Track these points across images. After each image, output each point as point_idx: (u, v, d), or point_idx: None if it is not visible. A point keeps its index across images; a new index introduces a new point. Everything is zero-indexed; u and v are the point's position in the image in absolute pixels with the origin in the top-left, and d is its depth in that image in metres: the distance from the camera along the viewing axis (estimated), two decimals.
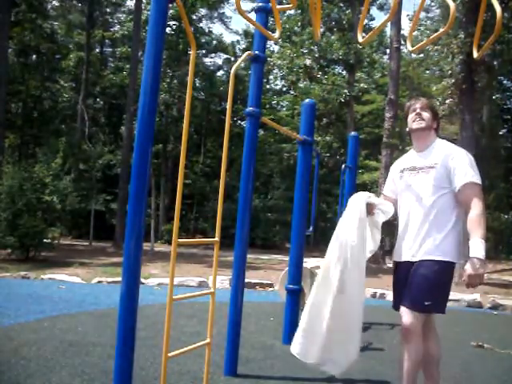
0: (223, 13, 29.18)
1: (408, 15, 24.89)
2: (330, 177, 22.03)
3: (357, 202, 2.81)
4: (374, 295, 8.20)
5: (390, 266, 14.02)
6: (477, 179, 2.61)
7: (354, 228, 2.72)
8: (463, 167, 2.61)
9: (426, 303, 2.56)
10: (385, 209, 2.85)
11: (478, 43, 2.57)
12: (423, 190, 2.67)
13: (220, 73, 29.24)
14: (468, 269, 2.48)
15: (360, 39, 2.96)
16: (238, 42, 30.83)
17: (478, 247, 2.50)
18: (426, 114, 2.73)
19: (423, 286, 2.56)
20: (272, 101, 28.23)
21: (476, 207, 2.56)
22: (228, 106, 3.01)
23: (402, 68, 16.02)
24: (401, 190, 2.82)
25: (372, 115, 24.71)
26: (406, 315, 2.57)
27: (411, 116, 2.77)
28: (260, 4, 3.47)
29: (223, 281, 8.12)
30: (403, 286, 2.66)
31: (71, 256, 12.42)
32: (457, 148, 2.73)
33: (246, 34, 29.17)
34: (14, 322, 4.50)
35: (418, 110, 2.74)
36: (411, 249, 2.67)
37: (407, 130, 2.85)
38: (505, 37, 10.87)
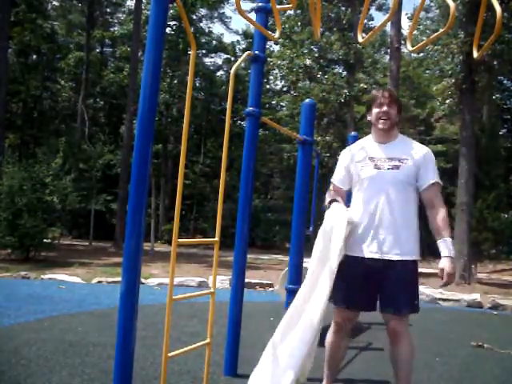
0: (223, 13, 29.23)
1: (407, 14, 24.89)
2: (330, 177, 22.00)
3: (339, 222, 2.62)
4: None
5: None
6: (439, 179, 2.66)
7: (336, 250, 2.60)
8: (431, 166, 2.64)
9: (415, 303, 2.60)
10: (354, 222, 2.69)
11: (478, 43, 2.56)
12: (393, 184, 2.60)
13: (220, 73, 29.26)
14: (446, 268, 2.50)
15: (360, 39, 2.96)
16: (238, 42, 30.85)
17: (450, 247, 2.54)
18: (393, 111, 2.66)
19: (411, 289, 2.60)
20: (272, 101, 28.23)
21: (443, 207, 2.61)
22: (228, 106, 3.00)
23: (402, 68, 16.02)
24: (362, 181, 2.68)
25: None
26: (396, 321, 2.58)
27: (377, 111, 2.66)
28: (260, 4, 3.47)
29: (223, 281, 8.11)
30: (372, 284, 2.60)
31: (71, 256, 12.42)
32: (422, 145, 2.74)
33: (246, 34, 29.16)
34: (14, 322, 4.49)
35: (385, 108, 2.64)
36: (383, 245, 2.58)
37: (368, 119, 2.75)
38: (505, 37, 10.87)
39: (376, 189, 2.63)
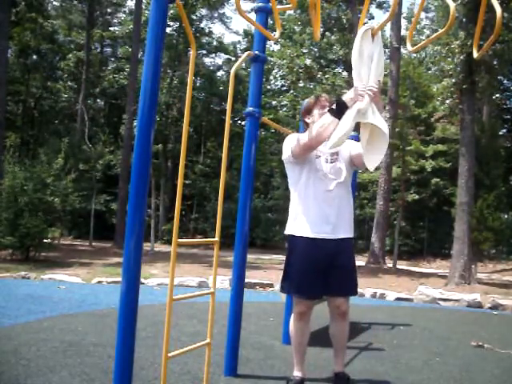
0: (223, 13, 29.19)
1: (406, 14, 24.88)
2: None
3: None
4: (373, 295, 8.20)
5: (390, 265, 13.98)
6: None
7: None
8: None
9: (356, 287, 3.04)
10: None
11: (478, 43, 2.57)
12: (339, 173, 3.01)
13: (220, 73, 29.24)
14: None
15: None
16: (238, 42, 30.85)
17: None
18: None
19: (354, 272, 3.02)
20: (272, 101, 28.21)
21: None
22: (228, 106, 3.01)
23: (402, 68, 16.02)
24: (314, 171, 2.98)
25: None
26: (346, 302, 2.99)
27: (322, 111, 2.96)
28: (260, 4, 3.47)
29: (223, 281, 8.11)
30: (328, 268, 2.90)
31: (71, 256, 12.42)
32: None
33: (247, 34, 29.16)
34: (14, 322, 4.49)
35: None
36: (338, 226, 2.94)
37: (308, 120, 3.07)
38: (505, 37, 10.86)
39: (322, 179, 3.02)
